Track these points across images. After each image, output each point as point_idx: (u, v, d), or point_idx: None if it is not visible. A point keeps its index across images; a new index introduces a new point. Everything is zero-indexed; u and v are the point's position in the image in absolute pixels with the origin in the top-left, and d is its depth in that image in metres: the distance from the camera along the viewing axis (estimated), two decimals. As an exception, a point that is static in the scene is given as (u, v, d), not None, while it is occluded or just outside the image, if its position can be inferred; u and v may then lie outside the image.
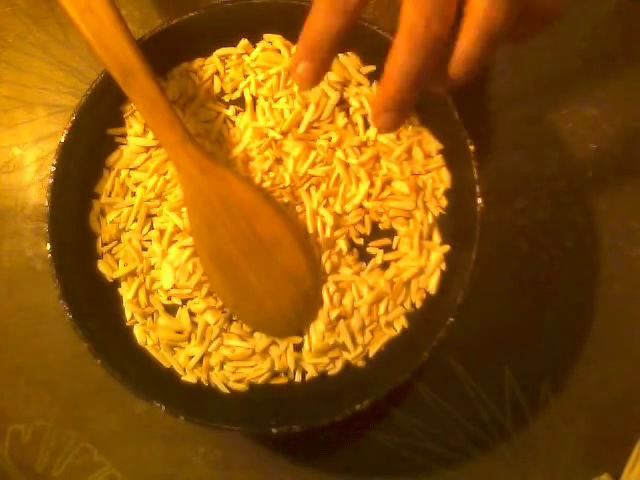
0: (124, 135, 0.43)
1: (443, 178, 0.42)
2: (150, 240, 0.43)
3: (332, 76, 0.42)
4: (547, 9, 0.28)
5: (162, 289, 0.42)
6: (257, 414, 0.40)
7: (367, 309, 0.41)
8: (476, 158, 0.39)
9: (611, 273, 0.45)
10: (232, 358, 0.41)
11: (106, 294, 0.42)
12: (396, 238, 0.42)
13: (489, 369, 0.44)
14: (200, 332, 0.41)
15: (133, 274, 0.42)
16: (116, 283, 0.42)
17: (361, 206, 0.42)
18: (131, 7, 0.47)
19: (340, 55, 0.43)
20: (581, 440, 0.44)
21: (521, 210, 0.45)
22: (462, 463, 0.44)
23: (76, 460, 0.44)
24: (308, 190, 0.42)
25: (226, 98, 0.44)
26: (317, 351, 0.41)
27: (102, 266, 0.42)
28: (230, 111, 0.44)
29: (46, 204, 0.40)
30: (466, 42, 0.26)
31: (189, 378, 0.41)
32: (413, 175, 0.42)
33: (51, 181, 0.40)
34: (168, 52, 0.42)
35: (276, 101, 0.43)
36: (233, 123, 0.44)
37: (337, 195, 0.42)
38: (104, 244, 0.43)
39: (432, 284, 0.41)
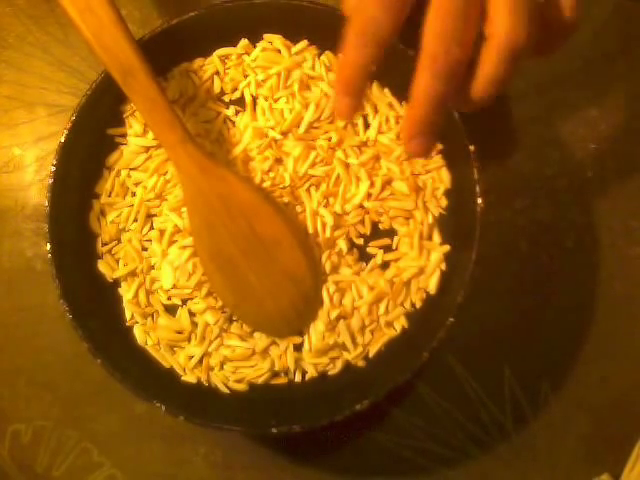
0: (124, 135, 0.43)
1: (443, 178, 0.42)
2: (150, 240, 0.42)
3: (333, 76, 0.42)
4: (565, 24, 0.29)
5: (162, 289, 0.42)
6: (257, 414, 0.40)
7: (367, 309, 0.41)
8: (476, 158, 0.39)
9: (611, 272, 0.45)
10: (232, 358, 0.41)
11: (106, 294, 0.42)
12: (396, 238, 0.42)
13: (489, 369, 0.44)
14: (200, 332, 0.41)
15: (133, 274, 0.42)
16: (116, 283, 0.42)
17: (361, 206, 0.42)
18: (131, 7, 0.47)
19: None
20: (581, 440, 0.44)
21: (521, 210, 0.45)
22: (462, 463, 0.44)
23: (76, 460, 0.44)
24: (308, 190, 0.42)
25: (226, 98, 0.44)
26: (317, 351, 0.41)
27: (102, 266, 0.42)
28: (230, 111, 0.44)
29: (46, 204, 0.40)
30: (488, 65, 0.27)
31: (189, 378, 0.41)
32: (413, 175, 0.42)
33: (51, 181, 0.40)
34: (168, 52, 0.42)
35: (276, 101, 0.43)
36: (233, 123, 0.44)
37: (337, 195, 0.42)
38: (104, 244, 0.43)
39: (432, 284, 0.41)
